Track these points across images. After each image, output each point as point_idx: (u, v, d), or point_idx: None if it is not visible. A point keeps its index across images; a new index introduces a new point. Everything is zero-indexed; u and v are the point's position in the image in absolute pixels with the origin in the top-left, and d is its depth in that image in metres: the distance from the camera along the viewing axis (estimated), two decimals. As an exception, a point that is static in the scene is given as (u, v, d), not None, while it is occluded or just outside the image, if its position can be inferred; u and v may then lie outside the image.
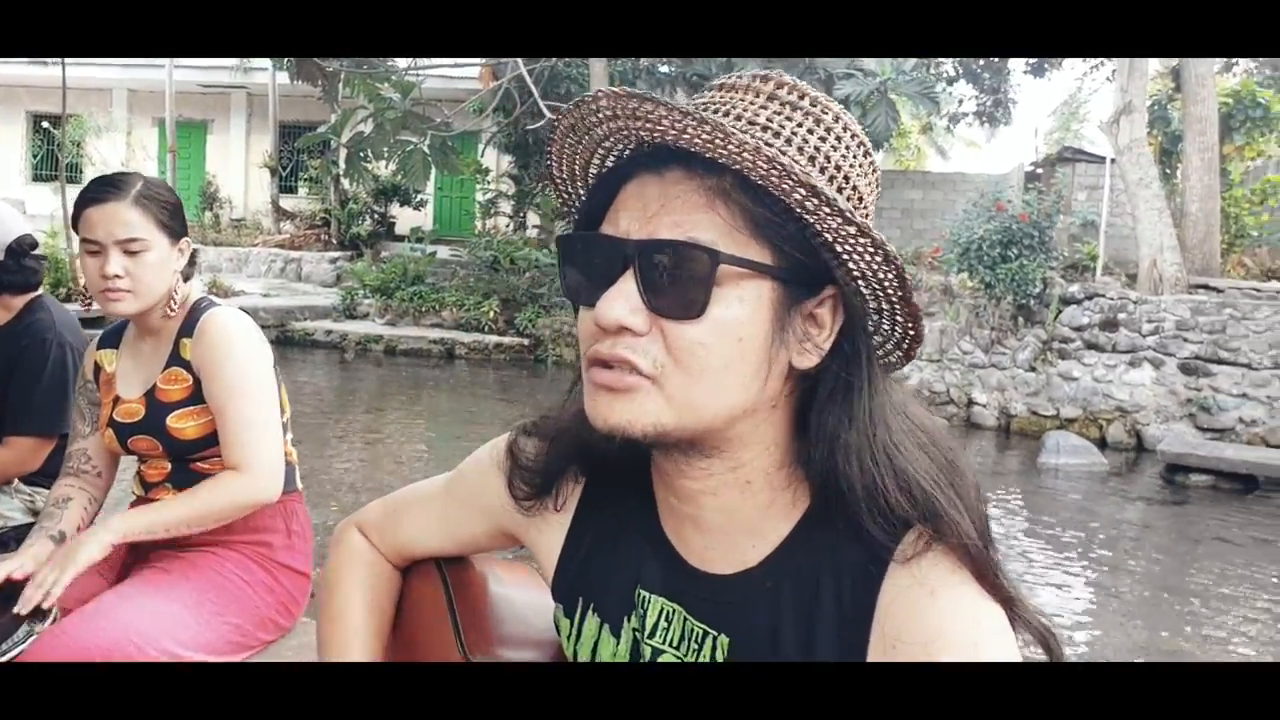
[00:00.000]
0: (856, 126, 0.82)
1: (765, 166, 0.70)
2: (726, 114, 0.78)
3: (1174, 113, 13.69)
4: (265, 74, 19.75)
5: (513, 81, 13.96)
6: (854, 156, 0.80)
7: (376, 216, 19.58)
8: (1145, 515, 7.33)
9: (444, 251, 16.88)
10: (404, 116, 11.60)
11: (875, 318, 0.80)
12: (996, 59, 17.57)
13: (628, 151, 0.80)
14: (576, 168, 0.85)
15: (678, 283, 0.73)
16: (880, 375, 0.80)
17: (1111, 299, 10.03)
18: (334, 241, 19.22)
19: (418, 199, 19.01)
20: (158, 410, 1.90)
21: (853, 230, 0.73)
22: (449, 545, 1.08)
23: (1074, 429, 9.51)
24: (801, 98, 0.79)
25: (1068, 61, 18.42)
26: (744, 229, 0.73)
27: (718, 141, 0.71)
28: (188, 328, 1.92)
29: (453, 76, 16.34)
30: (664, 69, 16.70)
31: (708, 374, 0.74)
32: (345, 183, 17.94)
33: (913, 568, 0.75)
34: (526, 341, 14.30)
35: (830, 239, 0.74)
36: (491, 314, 14.57)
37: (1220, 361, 9.42)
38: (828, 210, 0.72)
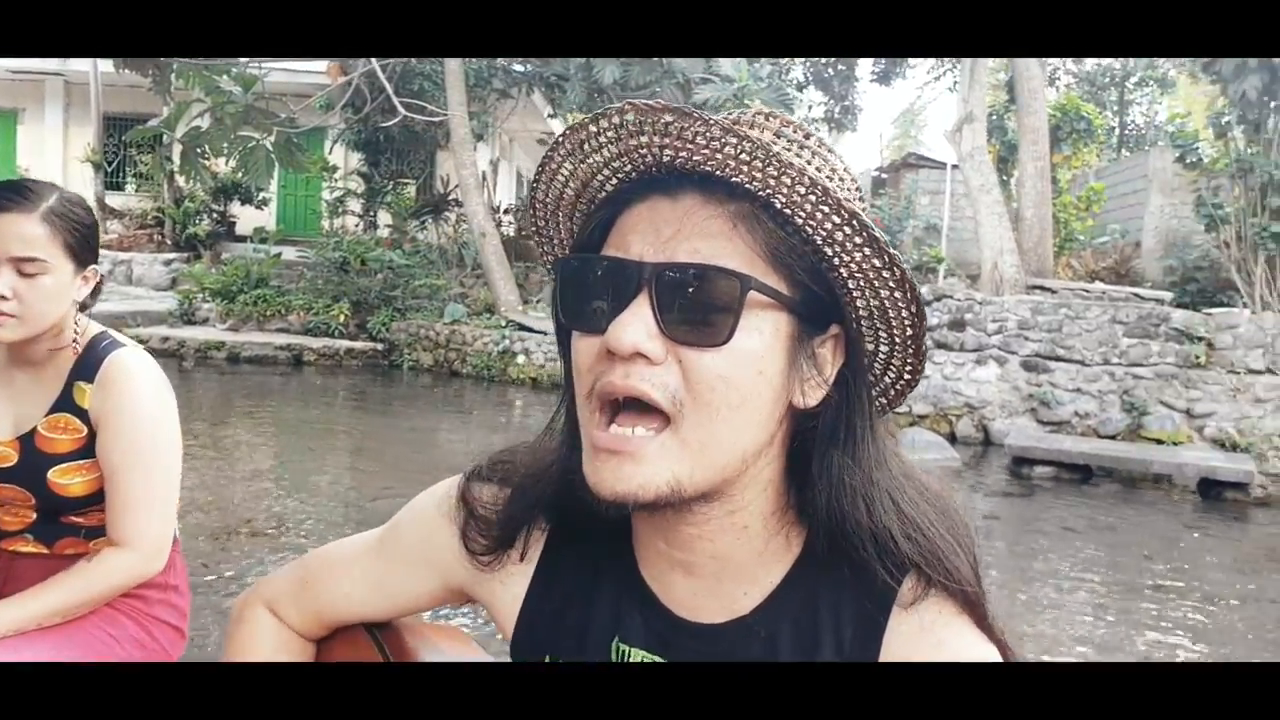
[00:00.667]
0: (852, 169, 0.81)
1: (803, 191, 0.68)
2: None
3: (1009, 123, 14.51)
4: (85, 61, 18.37)
5: (363, 77, 13.47)
6: (857, 198, 0.79)
7: (215, 216, 18.62)
8: (996, 507, 7.67)
9: (289, 252, 16.15)
10: (245, 111, 10.96)
11: (872, 359, 0.78)
12: (844, 65, 18.18)
13: (634, 174, 0.75)
14: (570, 190, 0.79)
15: (701, 309, 0.69)
16: (878, 417, 0.79)
17: (959, 300, 10.49)
18: (168, 242, 18.14)
19: (260, 197, 18.17)
20: (37, 460, 1.65)
21: (879, 263, 0.71)
22: (382, 607, 0.97)
23: (926, 425, 9.90)
24: (807, 137, 0.77)
25: (911, 70, 19.25)
26: (763, 257, 0.70)
27: (756, 163, 0.68)
28: (86, 369, 1.67)
29: (298, 70, 15.66)
30: (519, 68, 16.47)
31: (725, 411, 0.70)
32: (180, 180, 16.90)
33: (916, 613, 0.74)
34: (380, 346, 13.88)
35: (846, 273, 0.72)
36: (342, 318, 14.06)
37: (1057, 358, 10.00)
38: (859, 240, 0.70)
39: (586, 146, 0.74)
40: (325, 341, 13.66)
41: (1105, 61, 23.01)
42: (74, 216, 1.66)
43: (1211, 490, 7.94)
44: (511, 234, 16.86)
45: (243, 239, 18.07)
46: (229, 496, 6.18)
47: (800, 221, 0.70)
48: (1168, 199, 13.79)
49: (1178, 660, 4.42)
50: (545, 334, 12.93)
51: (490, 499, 0.88)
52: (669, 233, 0.70)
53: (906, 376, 0.79)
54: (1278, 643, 4.76)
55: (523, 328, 13.26)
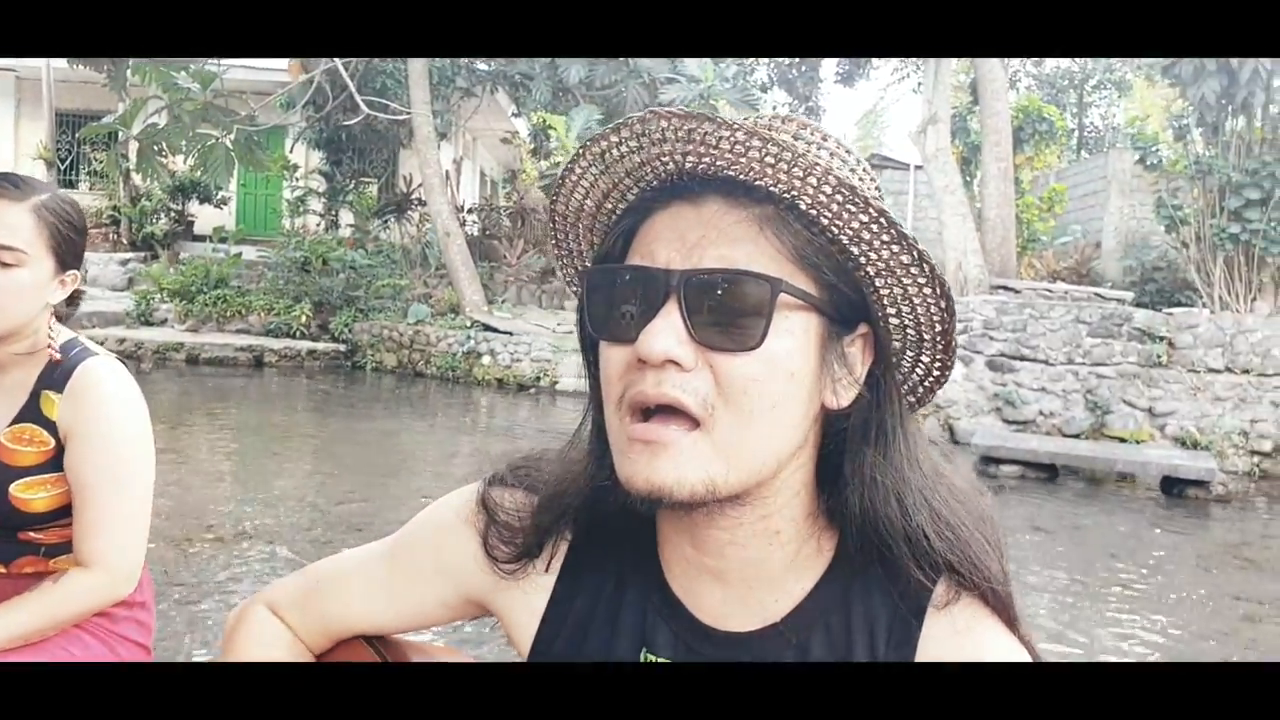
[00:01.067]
0: (872, 171, 0.81)
1: (829, 191, 0.68)
2: None
3: (972, 124, 14.64)
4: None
5: (325, 75, 13.28)
6: (877, 196, 0.78)
7: (173, 215, 18.30)
8: (964, 506, 7.70)
9: (250, 252, 15.90)
10: (204, 108, 10.78)
11: (900, 356, 0.78)
12: (808, 66, 18.25)
13: (655, 182, 0.76)
14: (590, 202, 0.79)
15: (732, 314, 0.69)
16: (909, 415, 0.79)
17: (924, 300, 10.54)
18: (124, 242, 17.81)
19: (219, 196, 17.87)
20: None
21: (907, 260, 0.71)
22: (392, 618, 0.94)
23: (892, 425, 9.93)
24: (825, 139, 0.78)
25: (874, 71, 19.41)
26: (791, 259, 0.70)
27: (782, 165, 0.68)
28: (56, 379, 1.58)
29: (258, 67, 15.42)
30: (483, 67, 16.35)
31: (758, 414, 0.70)
32: (137, 178, 16.57)
33: (950, 616, 0.75)
34: (343, 347, 13.74)
35: (874, 270, 0.72)
36: (303, 318, 13.88)
37: (1022, 358, 10.08)
38: (886, 238, 0.70)
39: (608, 157, 0.74)
40: (286, 342, 13.47)
41: (1064, 64, 23.36)
42: (64, 215, 1.59)
43: (1174, 488, 8.05)
44: (476, 233, 16.73)
45: (201, 238, 17.79)
46: (189, 501, 6.03)
47: (826, 221, 0.70)
48: (1127, 200, 14.00)
49: (1156, 659, 4.45)
50: (510, 334, 12.84)
51: (513, 505, 0.86)
52: (694, 239, 0.70)
53: (935, 373, 0.79)
54: (1245, 640, 4.81)
55: (488, 328, 13.15)
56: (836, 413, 0.75)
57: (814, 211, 0.69)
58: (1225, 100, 10.62)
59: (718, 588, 0.78)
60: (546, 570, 0.86)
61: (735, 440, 0.70)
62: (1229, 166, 10.61)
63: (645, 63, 12.95)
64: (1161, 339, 9.82)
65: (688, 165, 0.72)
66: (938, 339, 0.76)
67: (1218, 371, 9.69)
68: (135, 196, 17.86)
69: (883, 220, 0.69)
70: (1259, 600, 5.48)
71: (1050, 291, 11.19)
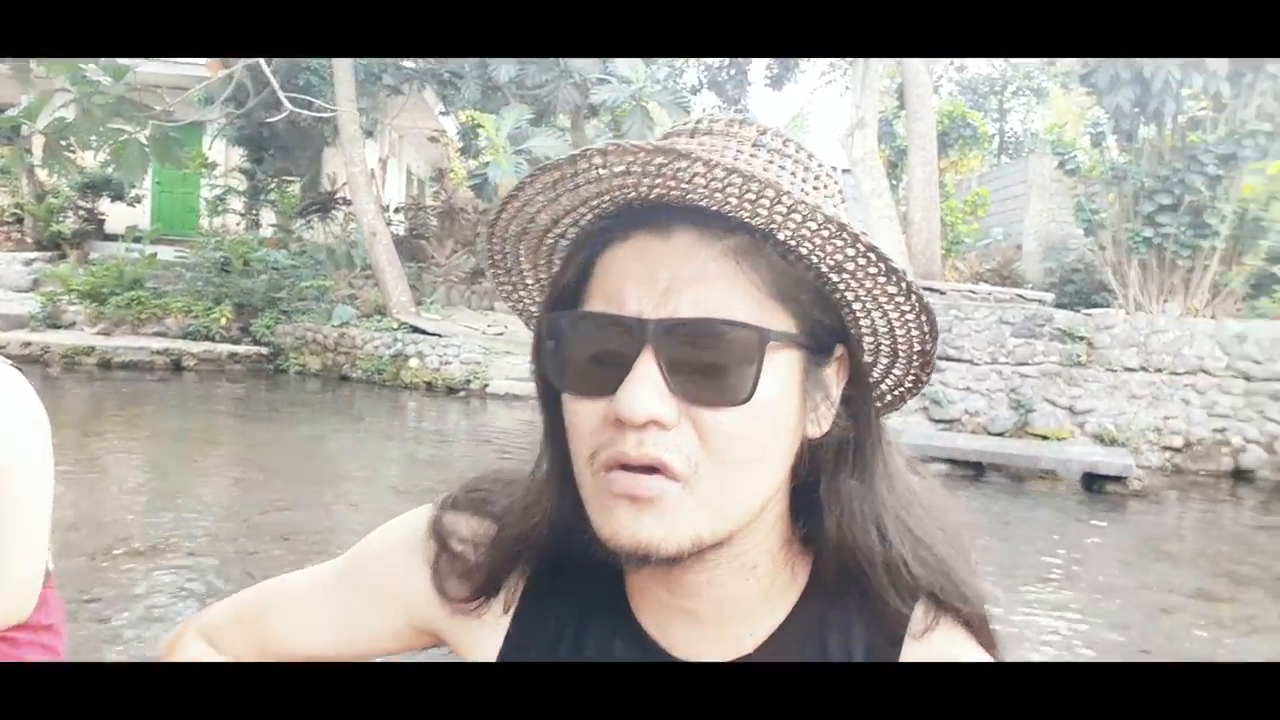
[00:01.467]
0: (835, 174, 0.76)
1: (814, 227, 0.63)
2: None
3: (898, 128, 14.90)
4: (-63, 46, 17.14)
5: (245, 71, 12.92)
6: (844, 208, 0.74)
7: (83, 213, 17.59)
8: (894, 505, 7.81)
9: (166, 252, 15.38)
10: (116, 102, 10.38)
11: (870, 368, 0.74)
12: (737, 69, 18.38)
13: (613, 210, 0.69)
14: (536, 225, 0.72)
15: (716, 367, 0.64)
16: (885, 433, 0.75)
17: (852, 301, 10.68)
18: (29, 241, 17.05)
19: (132, 194, 17.24)
20: None
21: (894, 290, 0.66)
22: (338, 646, 0.87)
23: (822, 425, 10.04)
24: (786, 144, 0.72)
25: (802, 75, 19.66)
26: (771, 294, 0.65)
27: (764, 200, 0.62)
28: None
29: (174, 61, 14.92)
30: (410, 64, 16.09)
31: (744, 465, 0.66)
32: (42, 174, 15.90)
33: (928, 644, 0.71)
34: (265, 350, 13.39)
35: (853, 296, 0.67)
36: (223, 321, 13.50)
37: (948, 359, 10.27)
38: (873, 270, 0.65)
39: (559, 187, 0.67)
40: (206, 346, 13.08)
41: (984, 70, 23.93)
42: None
43: (1094, 483, 8.28)
44: (403, 233, 16.46)
45: (114, 238, 17.16)
46: (104, 513, 5.78)
47: (806, 252, 0.65)
48: (1047, 204, 14.39)
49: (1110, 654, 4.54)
50: (439, 336, 12.64)
51: (468, 533, 0.81)
52: (666, 279, 0.64)
53: (908, 385, 0.75)
54: (1163, 630, 4.95)
55: (416, 330, 12.93)
56: (814, 441, 0.71)
57: (794, 242, 0.65)
58: (1138, 108, 10.97)
59: (691, 625, 0.75)
60: (504, 610, 0.80)
61: (721, 494, 0.65)
62: (1142, 173, 10.96)
63: (576, 63, 12.87)
64: (1081, 339, 10.10)
65: (653, 195, 0.65)
66: (914, 357, 0.73)
67: (1133, 370, 10.01)
68: (41, 193, 17.15)
69: (871, 255, 0.64)
70: (1174, 591, 5.66)
71: (974, 293, 11.43)
